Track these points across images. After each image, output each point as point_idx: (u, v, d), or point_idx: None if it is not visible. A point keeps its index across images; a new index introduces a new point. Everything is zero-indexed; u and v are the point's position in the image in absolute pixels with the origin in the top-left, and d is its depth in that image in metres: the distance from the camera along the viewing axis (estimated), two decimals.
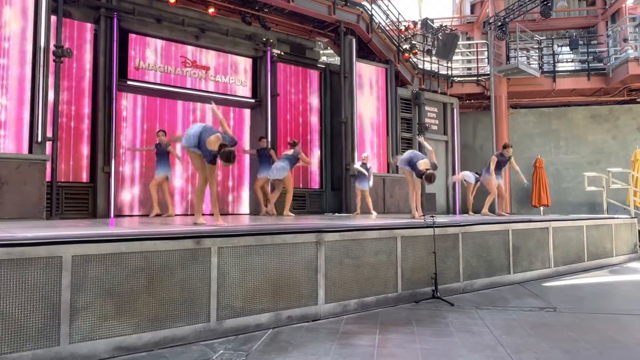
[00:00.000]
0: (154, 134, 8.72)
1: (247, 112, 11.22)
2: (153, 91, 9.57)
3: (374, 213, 10.02)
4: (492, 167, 8.55)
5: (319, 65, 11.89)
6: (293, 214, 8.95)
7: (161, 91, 9.62)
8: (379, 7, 12.40)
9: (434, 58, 13.66)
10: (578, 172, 13.77)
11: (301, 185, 11.16)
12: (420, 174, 6.64)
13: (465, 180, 10.42)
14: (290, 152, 8.79)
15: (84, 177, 8.43)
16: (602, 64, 13.93)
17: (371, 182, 10.05)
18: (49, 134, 7.67)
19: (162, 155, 8.15)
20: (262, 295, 3.90)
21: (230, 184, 10.96)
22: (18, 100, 7.27)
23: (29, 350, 2.88)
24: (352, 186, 10.42)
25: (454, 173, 13.40)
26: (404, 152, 7.86)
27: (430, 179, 6.49)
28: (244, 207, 11.00)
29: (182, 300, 3.49)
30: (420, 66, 13.35)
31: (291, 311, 4.06)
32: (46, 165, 7.25)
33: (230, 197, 10.93)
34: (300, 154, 8.71)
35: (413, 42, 13.01)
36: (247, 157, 10.30)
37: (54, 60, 7.85)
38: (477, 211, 9.56)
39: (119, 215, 9.01)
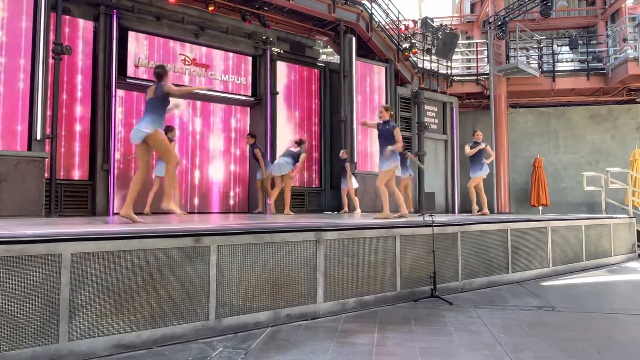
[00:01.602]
0: None
1: (246, 111, 11.22)
2: None
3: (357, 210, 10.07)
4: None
5: (318, 64, 11.89)
6: (293, 213, 8.95)
7: None
8: (379, 6, 12.39)
9: (433, 57, 13.66)
10: (577, 172, 13.80)
11: (300, 184, 11.17)
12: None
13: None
14: (295, 149, 8.84)
15: (83, 174, 8.43)
16: (601, 64, 13.94)
17: (351, 183, 10.00)
18: (48, 131, 7.67)
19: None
20: (261, 293, 3.90)
21: (232, 182, 10.97)
22: (17, 97, 7.26)
23: (28, 348, 2.88)
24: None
25: (453, 173, 13.42)
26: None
27: None
28: (244, 205, 11.00)
29: (181, 298, 3.49)
30: (420, 65, 13.36)
31: (290, 309, 4.06)
32: (45, 163, 7.25)
33: (232, 195, 10.93)
34: (303, 155, 8.74)
35: (413, 41, 13.01)
36: (248, 156, 10.30)
37: (53, 58, 7.84)
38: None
39: (118, 213, 9.00)
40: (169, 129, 8.28)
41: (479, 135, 8.79)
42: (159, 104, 4.96)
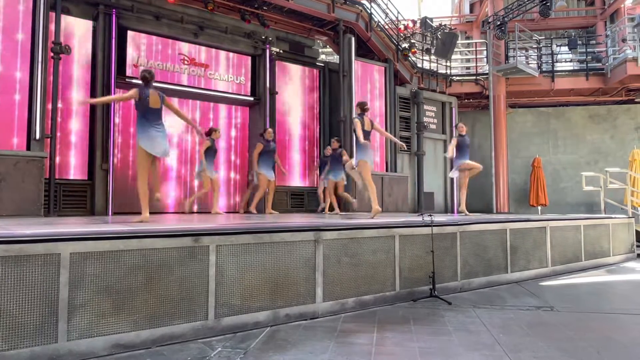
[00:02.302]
0: None
1: (245, 110, 11.22)
2: None
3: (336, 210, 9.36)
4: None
5: (317, 64, 11.88)
6: (254, 212, 8.80)
7: (159, 89, 9.52)
8: (378, 5, 12.38)
9: (432, 57, 13.66)
10: (576, 172, 13.80)
11: (301, 184, 11.17)
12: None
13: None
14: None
15: (82, 174, 8.42)
16: (600, 64, 13.95)
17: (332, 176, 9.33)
18: (47, 131, 7.66)
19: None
20: (260, 293, 3.90)
21: (232, 181, 10.95)
22: (16, 97, 7.25)
23: (26, 348, 2.88)
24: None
25: None
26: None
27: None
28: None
29: (180, 298, 3.49)
30: (419, 65, 13.36)
31: (289, 309, 4.06)
32: (44, 162, 7.23)
33: (232, 195, 10.92)
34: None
35: (412, 41, 13.01)
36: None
37: (52, 57, 7.83)
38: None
39: (118, 212, 9.00)
40: (213, 130, 8.33)
41: (462, 128, 8.51)
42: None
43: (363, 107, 6.69)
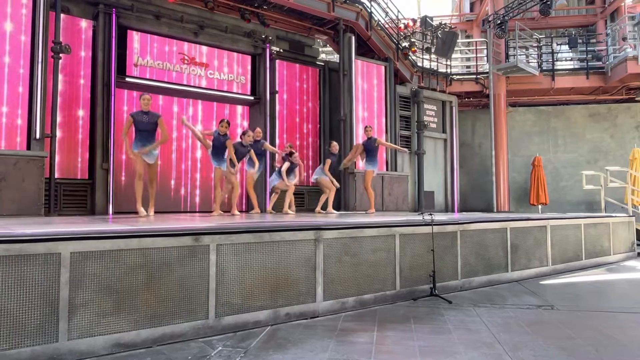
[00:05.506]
0: None
1: (245, 110, 11.22)
2: (151, 88, 9.53)
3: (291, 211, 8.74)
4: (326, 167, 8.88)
5: (318, 63, 11.88)
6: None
7: (159, 88, 9.60)
8: (378, 4, 12.38)
9: (433, 56, 13.66)
10: (576, 171, 13.81)
11: (300, 183, 11.16)
12: None
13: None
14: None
15: (83, 173, 8.42)
16: (600, 63, 13.95)
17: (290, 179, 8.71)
18: (47, 130, 7.66)
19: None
20: (260, 292, 3.91)
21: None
22: (16, 96, 7.25)
23: (27, 347, 2.88)
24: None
25: (452, 171, 13.42)
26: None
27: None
28: (245, 204, 10.99)
29: (181, 297, 3.50)
30: (420, 64, 13.35)
31: (289, 308, 4.07)
32: (44, 162, 7.24)
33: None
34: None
35: (412, 40, 13.00)
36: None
37: (52, 57, 7.83)
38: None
39: (118, 212, 9.00)
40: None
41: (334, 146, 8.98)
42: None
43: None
